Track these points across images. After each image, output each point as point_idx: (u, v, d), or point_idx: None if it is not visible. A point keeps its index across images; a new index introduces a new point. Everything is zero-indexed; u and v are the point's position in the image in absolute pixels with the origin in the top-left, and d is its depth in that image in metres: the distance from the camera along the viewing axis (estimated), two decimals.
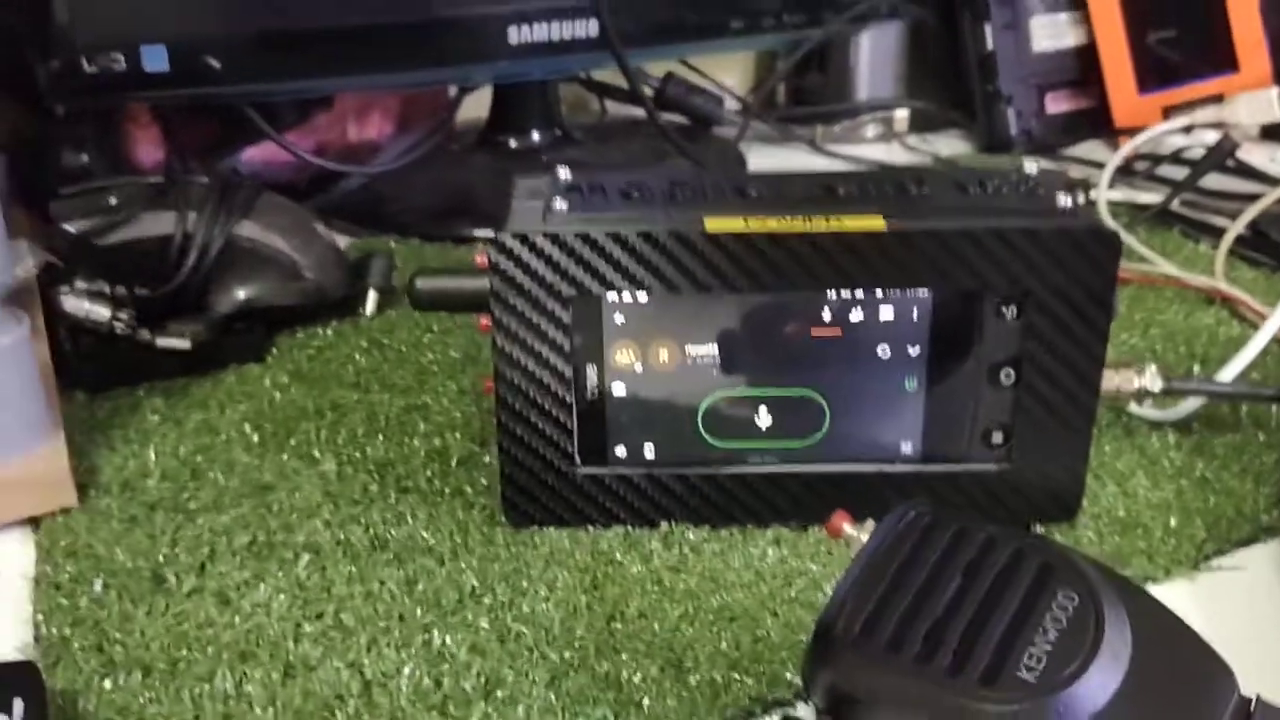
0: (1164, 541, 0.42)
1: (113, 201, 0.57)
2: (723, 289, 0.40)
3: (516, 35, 0.71)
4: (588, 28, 0.73)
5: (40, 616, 0.39)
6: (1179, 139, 0.80)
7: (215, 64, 0.64)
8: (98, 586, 0.40)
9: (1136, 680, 0.29)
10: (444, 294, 0.41)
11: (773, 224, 0.39)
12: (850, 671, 0.30)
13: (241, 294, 0.57)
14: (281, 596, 0.40)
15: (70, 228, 0.55)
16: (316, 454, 0.48)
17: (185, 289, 0.56)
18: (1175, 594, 0.40)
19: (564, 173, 0.43)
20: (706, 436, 0.42)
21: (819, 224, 0.39)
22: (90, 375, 0.54)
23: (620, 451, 0.43)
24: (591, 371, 0.41)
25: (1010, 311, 0.40)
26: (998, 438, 0.42)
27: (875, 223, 0.39)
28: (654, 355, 0.41)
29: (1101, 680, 0.28)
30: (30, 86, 0.62)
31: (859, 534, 0.35)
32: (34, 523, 0.45)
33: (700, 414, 0.42)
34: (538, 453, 0.42)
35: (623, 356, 0.41)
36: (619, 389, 0.42)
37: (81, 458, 0.48)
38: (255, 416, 0.51)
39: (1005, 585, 0.31)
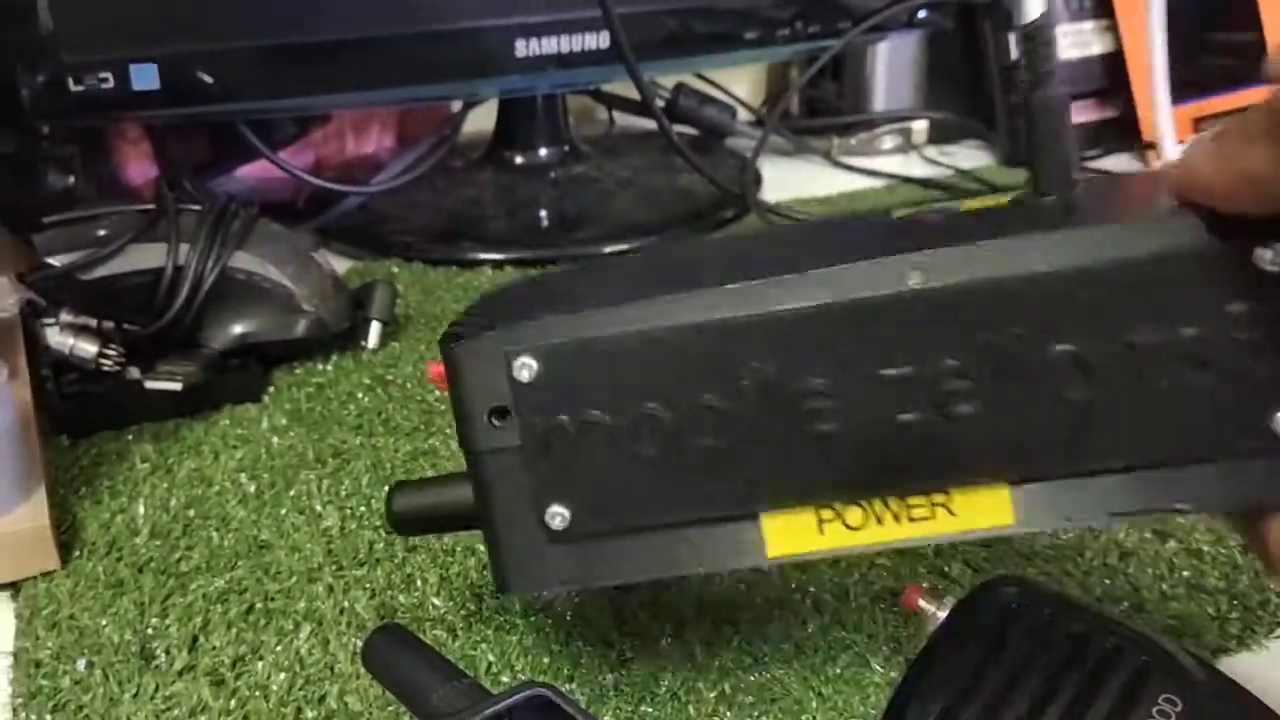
0: (1234, 606, 0.39)
1: (101, 233, 0.53)
2: None
3: (524, 48, 0.68)
4: (598, 40, 0.70)
5: (19, 700, 0.36)
6: None
7: (209, 80, 0.61)
8: (81, 665, 0.37)
9: None
10: (431, 512, 0.33)
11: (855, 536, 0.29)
12: None
13: (237, 329, 0.54)
14: (281, 676, 0.36)
15: (55, 261, 0.52)
16: (318, 507, 0.45)
17: (177, 325, 0.52)
18: (1252, 668, 0.37)
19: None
20: None
21: (922, 528, 0.29)
22: (75, 417, 0.51)
23: None
24: None
25: None
26: None
27: (1003, 513, 0.29)
28: None
29: None
30: (12, 104, 0.58)
31: (936, 610, 0.32)
32: (13, 588, 0.41)
33: None
34: None
35: None
36: None
37: (64, 511, 0.45)
38: (252, 464, 0.48)
39: (1099, 686, 0.28)
